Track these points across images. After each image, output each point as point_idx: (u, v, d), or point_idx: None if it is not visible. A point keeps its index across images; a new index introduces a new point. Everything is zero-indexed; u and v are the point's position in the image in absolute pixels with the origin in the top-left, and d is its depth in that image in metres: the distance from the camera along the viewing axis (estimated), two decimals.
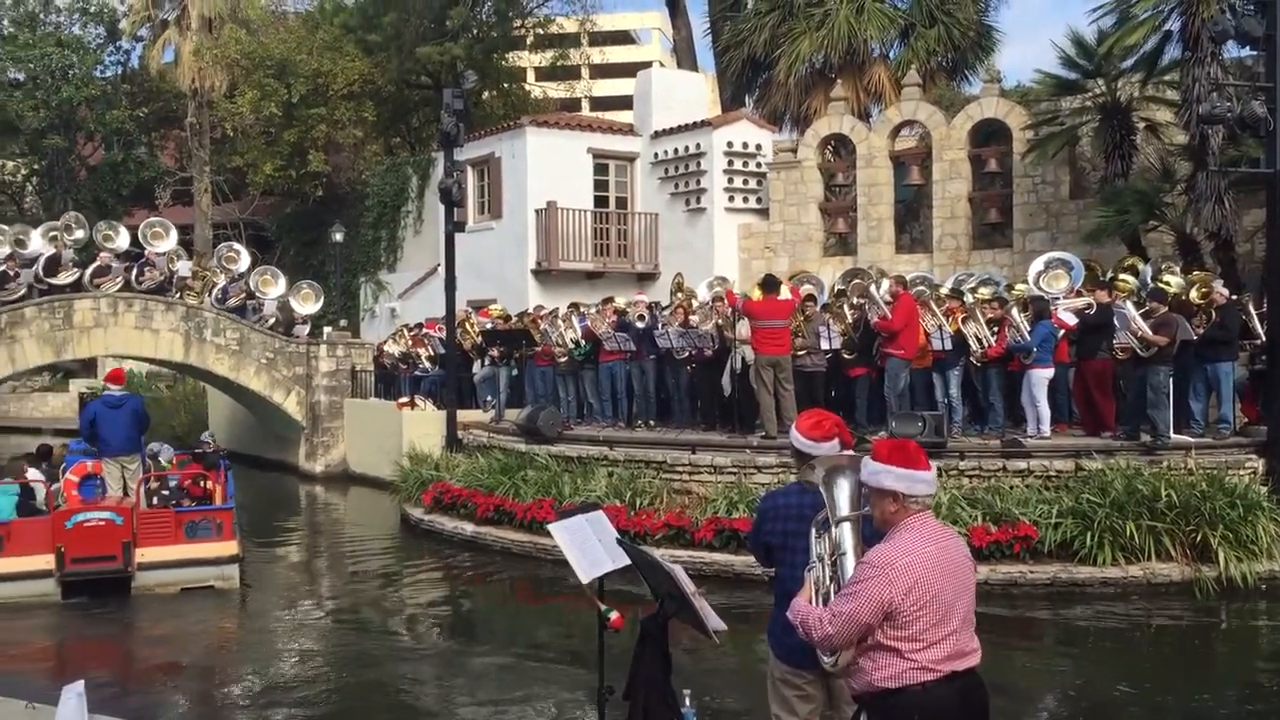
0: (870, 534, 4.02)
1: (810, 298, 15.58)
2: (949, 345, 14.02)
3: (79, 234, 23.10)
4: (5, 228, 23.59)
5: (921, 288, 16.34)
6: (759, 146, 23.10)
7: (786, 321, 13.94)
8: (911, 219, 22.44)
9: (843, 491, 4.03)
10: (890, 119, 21.37)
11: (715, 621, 4.58)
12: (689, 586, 4.57)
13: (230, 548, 12.94)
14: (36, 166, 37.78)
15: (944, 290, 16.07)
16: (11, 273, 21.27)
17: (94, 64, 37.26)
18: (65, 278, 21.83)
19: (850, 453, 4.49)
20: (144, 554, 12.50)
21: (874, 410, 14.51)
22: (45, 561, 12.15)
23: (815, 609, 3.92)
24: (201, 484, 14.26)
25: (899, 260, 20.35)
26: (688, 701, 4.99)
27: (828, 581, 3.98)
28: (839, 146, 22.74)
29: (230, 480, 14.30)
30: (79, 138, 37.81)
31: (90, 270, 22.03)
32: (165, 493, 13.62)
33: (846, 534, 4.01)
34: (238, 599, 12.91)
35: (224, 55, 33.78)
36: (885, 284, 15.57)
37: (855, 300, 15.71)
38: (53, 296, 21.35)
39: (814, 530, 4.14)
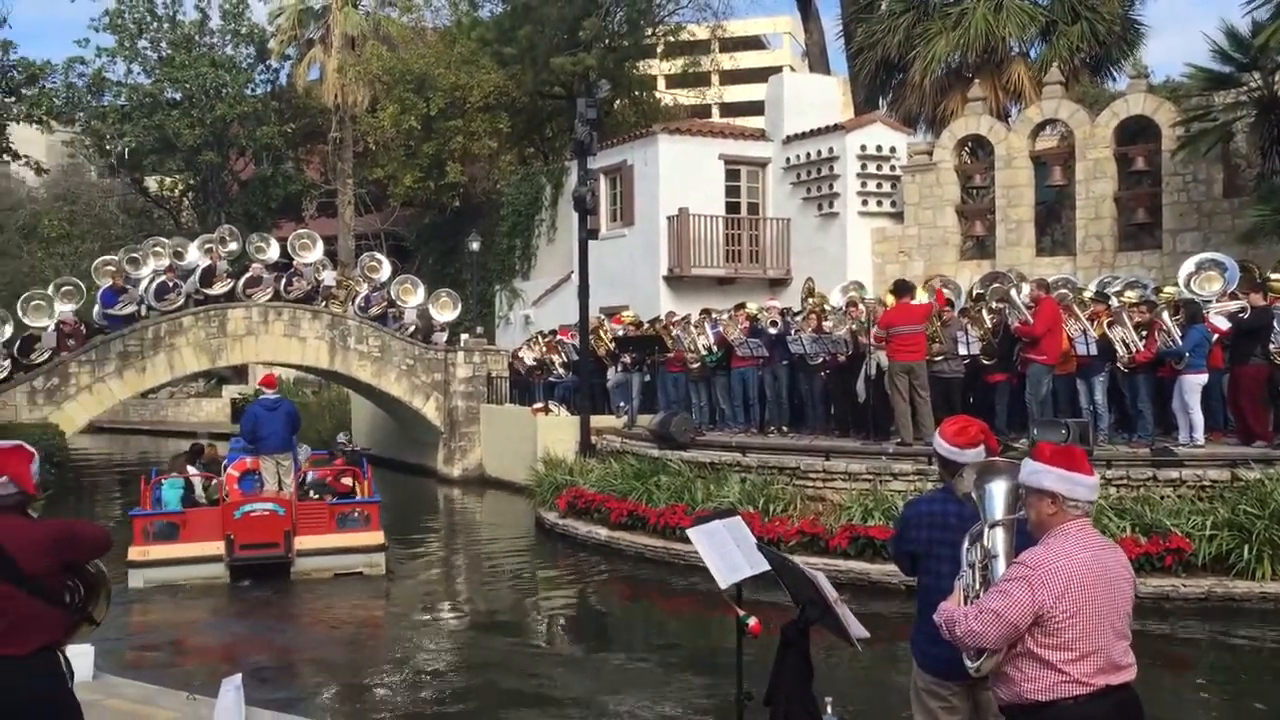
0: (1022, 542, 3.93)
1: (947, 302, 15.28)
2: (1094, 350, 13.56)
3: (233, 246, 24.12)
4: (165, 241, 24.81)
5: (1064, 291, 15.84)
6: (893, 149, 22.76)
7: (922, 326, 13.69)
8: (1053, 221, 21.81)
9: (998, 495, 3.95)
10: (1030, 118, 20.81)
11: (858, 629, 4.53)
12: (831, 593, 4.54)
13: (378, 537, 14.05)
14: (192, 182, 39.58)
15: (1088, 294, 15.56)
16: (171, 284, 22.33)
17: (245, 83, 38.87)
18: (220, 288, 22.81)
19: (1002, 459, 4.39)
20: (302, 542, 13.64)
21: (1014, 417, 14.12)
22: (216, 547, 13.37)
23: (962, 607, 3.84)
24: (342, 480, 15.22)
25: (1040, 263, 19.80)
26: (829, 709, 4.95)
27: (977, 586, 3.90)
28: (976, 148, 22.24)
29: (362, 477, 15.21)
30: (231, 154, 39.47)
31: (243, 280, 22.97)
32: (305, 487, 14.64)
33: (999, 538, 3.92)
34: (384, 587, 13.60)
35: (366, 72, 34.89)
36: (1026, 287, 15.14)
37: (994, 304, 15.34)
38: (208, 306, 22.36)
39: (967, 540, 4.05)
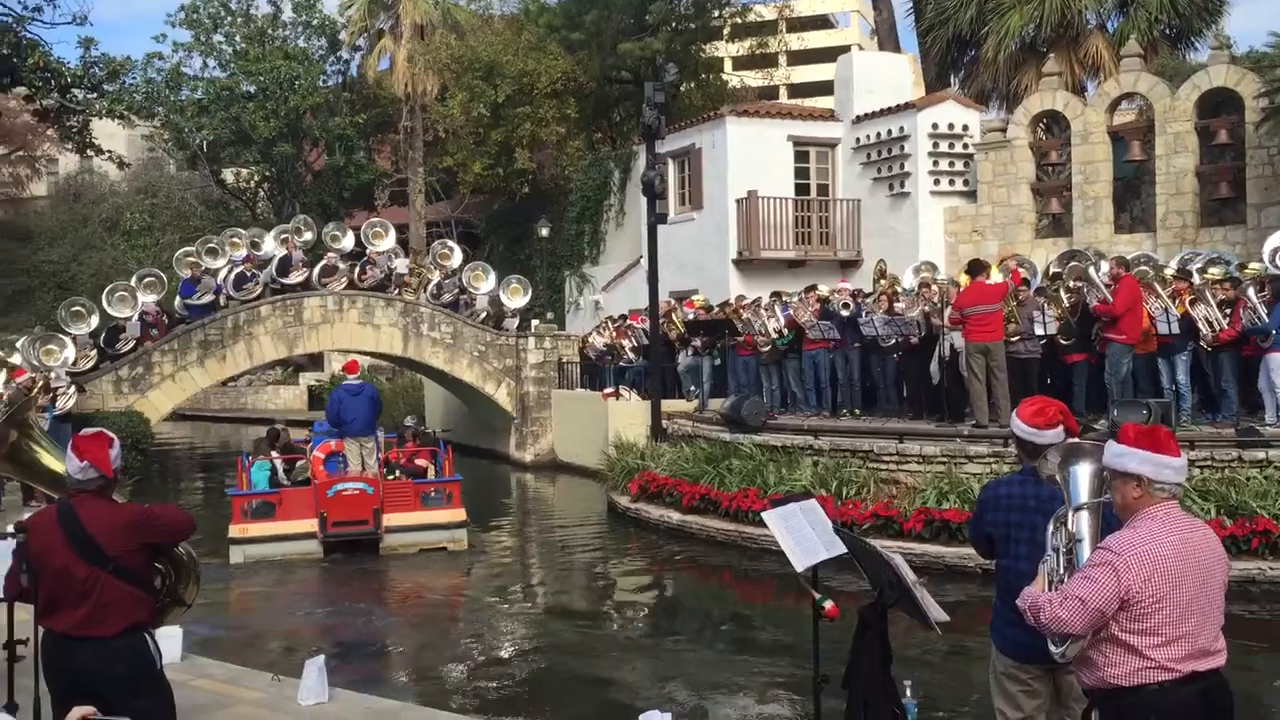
0: (1108, 526, 3.86)
1: (1023, 282, 15.02)
2: (1176, 329, 13.25)
3: (307, 235, 24.50)
4: (242, 231, 25.28)
5: (1144, 268, 15.46)
6: (965, 127, 22.41)
7: (998, 306, 13.48)
8: (1132, 197, 21.29)
9: (1082, 478, 3.89)
10: (1108, 93, 20.34)
11: (937, 612, 4.50)
12: (910, 576, 4.51)
13: (459, 514, 14.91)
14: (268, 173, 40.26)
15: (1169, 271, 15.18)
16: (249, 274, 22.77)
17: (317, 74, 39.40)
18: (296, 277, 23.20)
19: (1086, 440, 4.32)
20: (389, 519, 14.48)
21: (1093, 398, 13.86)
22: (310, 525, 14.27)
23: (1046, 593, 3.79)
24: (416, 460, 16.05)
25: (1118, 240, 19.38)
26: (908, 692, 4.93)
27: (1062, 571, 3.84)
28: (1051, 124, 21.80)
29: (439, 459, 16.02)
30: (305, 144, 40.08)
31: (318, 269, 23.34)
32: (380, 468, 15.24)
33: (1084, 522, 3.86)
34: (464, 565, 14.09)
35: (435, 60, 35.17)
36: (1105, 265, 14.81)
37: (1072, 283, 15.02)
38: (285, 295, 22.77)
39: (1050, 524, 4.00)
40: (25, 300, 43.93)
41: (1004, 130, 21.49)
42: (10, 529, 5.90)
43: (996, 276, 14.16)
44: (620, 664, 9.77)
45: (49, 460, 5.16)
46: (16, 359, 19.43)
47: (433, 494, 15.15)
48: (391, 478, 15.14)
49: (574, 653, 10.15)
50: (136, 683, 4.64)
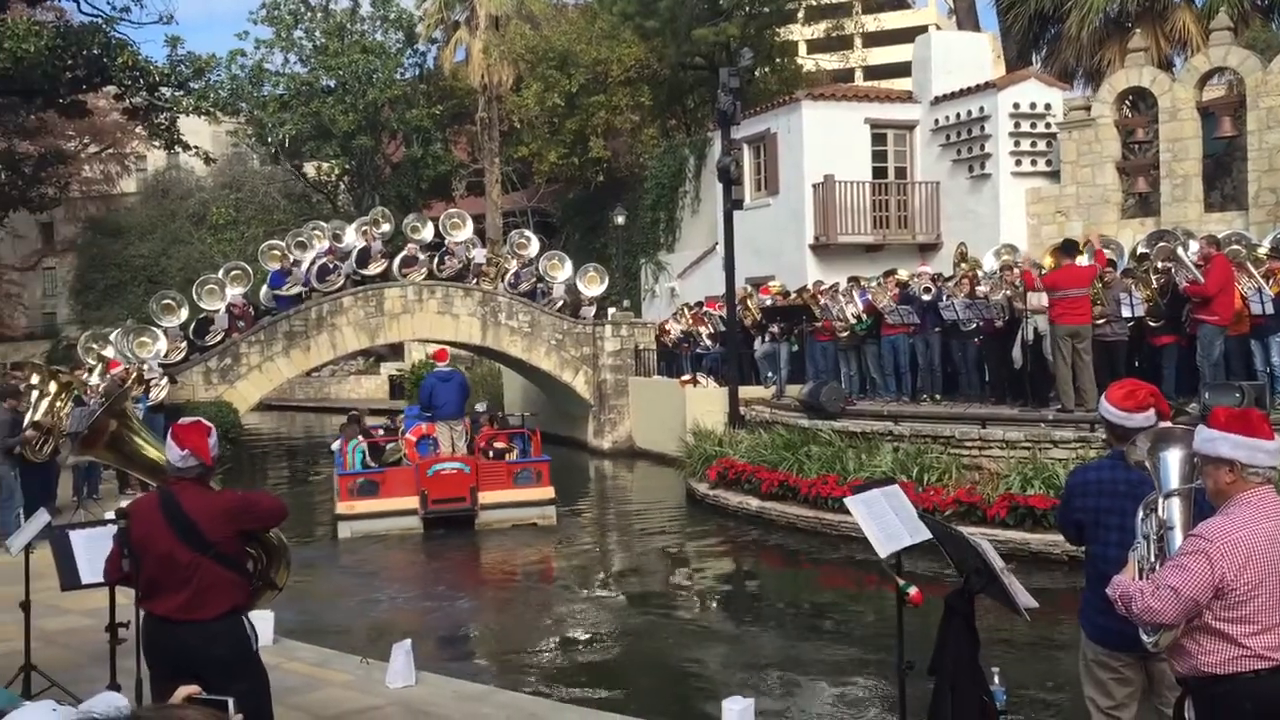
0: (1201, 513, 3.78)
1: (1109, 263, 14.69)
2: (1270, 309, 12.85)
3: (386, 227, 24.87)
4: (323, 224, 25.76)
5: (1236, 247, 15.02)
6: (1048, 106, 21.93)
7: (1086, 289, 13.21)
8: (1222, 174, 20.66)
9: (1172, 464, 3.80)
10: (1197, 67, 19.75)
11: (1026, 599, 4.44)
12: (998, 562, 4.46)
13: (548, 492, 15.84)
14: (348, 166, 40.92)
15: (1262, 250, 14.73)
16: (331, 265, 23.19)
17: (395, 67, 39.91)
18: (376, 268, 23.58)
19: (1176, 424, 4.23)
20: (484, 497, 15.41)
21: (1183, 381, 13.51)
22: (411, 502, 15.23)
23: (1137, 582, 3.72)
24: (495, 444, 16.73)
25: (1208, 219, 18.82)
26: (996, 679, 4.87)
27: (1153, 559, 3.77)
28: (1138, 101, 21.22)
29: (525, 441, 16.99)
30: (383, 137, 40.64)
31: (398, 260, 23.69)
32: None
33: (1175, 509, 3.78)
34: (548, 547, 14.61)
35: (510, 51, 35.40)
36: (1194, 245, 14.44)
37: (1160, 264, 14.66)
38: (366, 286, 23.15)
39: (1141, 510, 3.92)
40: (117, 294, 45.28)
41: (1088, 108, 20.99)
42: (111, 515, 6.12)
43: (1082, 259, 13.89)
44: (701, 649, 9.79)
45: (147, 449, 5.32)
46: (109, 351, 20.03)
47: (525, 473, 16.02)
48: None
49: (655, 638, 10.20)
50: (235, 665, 4.77)
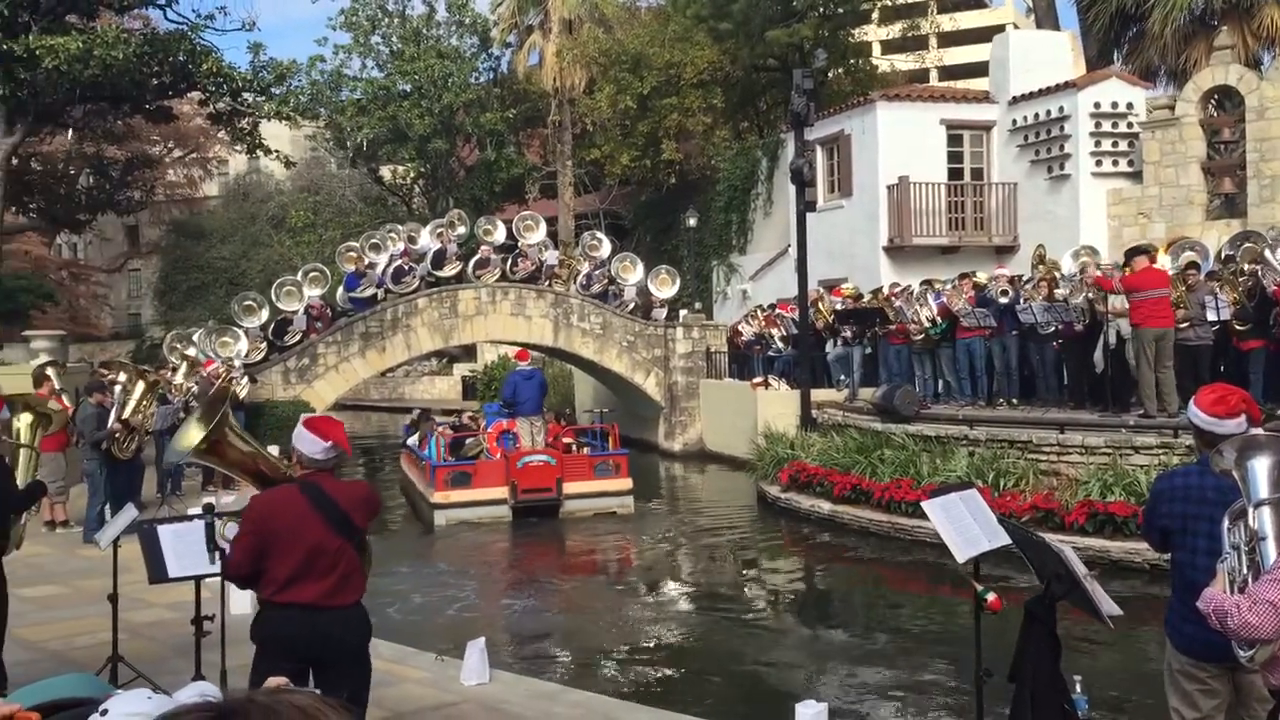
0: None
1: (1193, 265, 14.34)
2: None
3: (461, 229, 25.14)
4: (399, 227, 26.09)
5: None
6: (1130, 105, 21.48)
7: (1168, 291, 12.91)
8: None
9: (1261, 472, 3.70)
10: None
11: (1109, 606, 4.36)
12: (1080, 568, 4.38)
13: (626, 484, 16.90)
14: (423, 169, 41.42)
15: None
16: (407, 267, 23.50)
17: (469, 71, 40.29)
18: (450, 270, 23.84)
19: (1265, 431, 4.12)
20: (568, 487, 16.43)
21: (1271, 387, 13.15)
22: (500, 492, 16.25)
23: (1232, 596, 3.62)
24: (562, 439, 17.74)
25: None
26: (1078, 688, 4.79)
27: (1244, 570, 3.67)
28: (1223, 100, 20.70)
29: (604, 436, 18.22)
30: (457, 141, 41.07)
31: (472, 262, 23.93)
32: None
33: (1267, 518, 3.67)
34: (622, 544, 15.12)
35: (583, 54, 35.58)
36: None
37: (1247, 266, 14.29)
38: (440, 288, 23.42)
39: (1227, 519, 3.82)
40: (199, 295, 46.37)
41: (1172, 108, 20.52)
42: (198, 511, 6.26)
43: (1163, 261, 13.58)
44: (772, 653, 9.75)
45: (243, 446, 5.42)
46: (191, 351, 20.50)
47: (605, 465, 17.03)
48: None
49: (726, 640, 10.18)
50: (360, 653, 4.95)
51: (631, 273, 24.96)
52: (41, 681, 2.00)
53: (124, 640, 7.38)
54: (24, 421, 9.23)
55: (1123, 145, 21.39)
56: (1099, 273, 14.14)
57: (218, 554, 5.30)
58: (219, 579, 5.90)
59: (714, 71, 32.55)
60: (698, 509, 18.61)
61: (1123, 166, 21.39)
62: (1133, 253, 13.19)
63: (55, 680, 2.06)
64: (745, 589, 12.79)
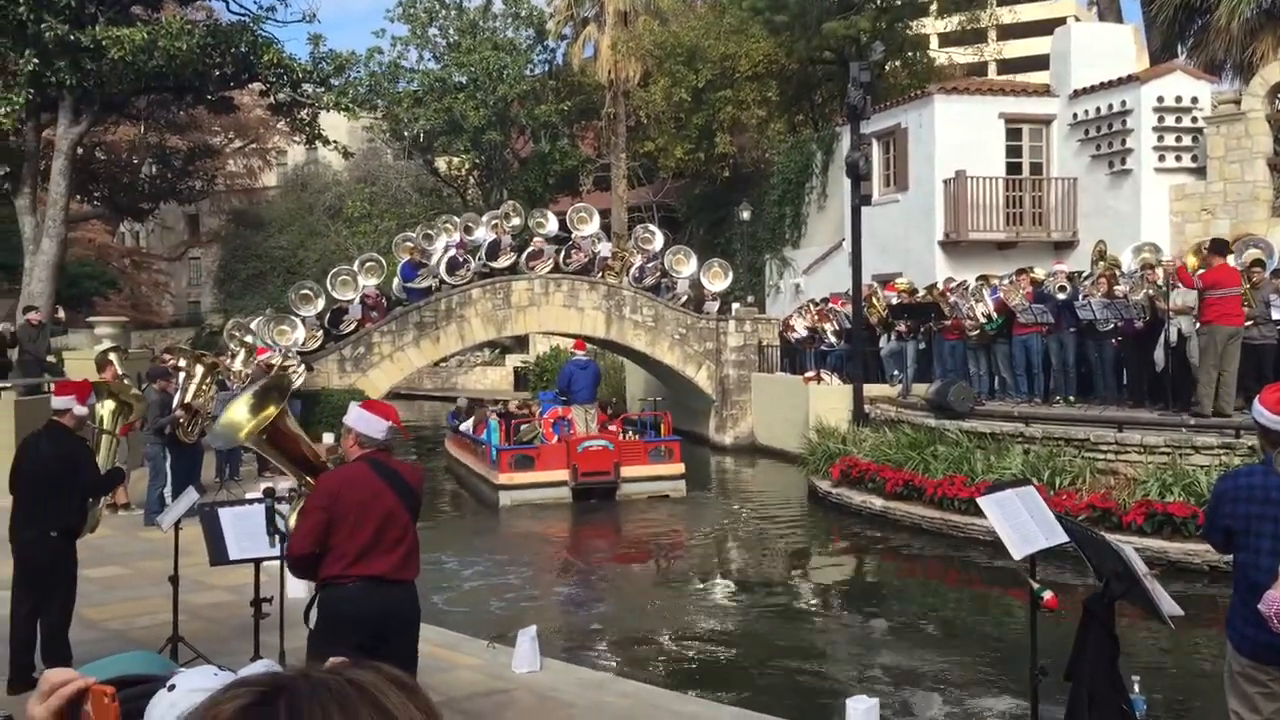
0: None
1: (1258, 263, 14.06)
2: None
3: (515, 221, 25.24)
4: (454, 218, 26.26)
5: None
6: (1194, 100, 21.07)
7: (1241, 289, 12.67)
8: None
9: None
10: None
11: (1170, 606, 4.30)
12: (1140, 567, 4.33)
13: (679, 468, 17.81)
14: (477, 160, 41.67)
15: None
16: (461, 258, 23.65)
17: (524, 64, 40.45)
18: (504, 261, 23.96)
19: None
20: (625, 471, 17.23)
21: None
22: (561, 474, 17.07)
23: None
24: (608, 429, 18.51)
25: None
26: (1136, 688, 4.73)
27: None
28: None
29: (656, 424, 18.94)
30: (512, 132, 41.25)
31: (526, 254, 24.03)
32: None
33: None
34: (673, 534, 15.50)
35: (638, 47, 35.57)
36: None
37: None
38: (494, 279, 23.55)
39: None
40: (258, 284, 47.02)
41: (1237, 102, 20.12)
42: (257, 495, 6.37)
43: (1232, 259, 13.32)
44: (822, 648, 9.73)
45: (296, 436, 5.50)
46: (249, 338, 20.79)
47: (659, 450, 17.93)
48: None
49: (776, 634, 10.17)
50: (416, 630, 5.10)
51: (684, 265, 24.92)
52: (109, 657, 2.04)
53: (183, 621, 7.53)
54: (107, 409, 9.45)
55: (1186, 140, 21.01)
56: (1181, 263, 13.84)
57: (277, 537, 5.39)
58: (278, 562, 6.00)
59: (769, 64, 32.40)
60: (748, 502, 18.58)
61: (1186, 162, 21.01)
62: (1216, 248, 12.93)
63: (121, 656, 2.11)
64: (795, 582, 12.76)
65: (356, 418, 5.00)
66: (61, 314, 21.63)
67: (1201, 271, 12.97)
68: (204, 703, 1.25)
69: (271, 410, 5.08)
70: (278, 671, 1.30)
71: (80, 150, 25.38)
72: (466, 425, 21.16)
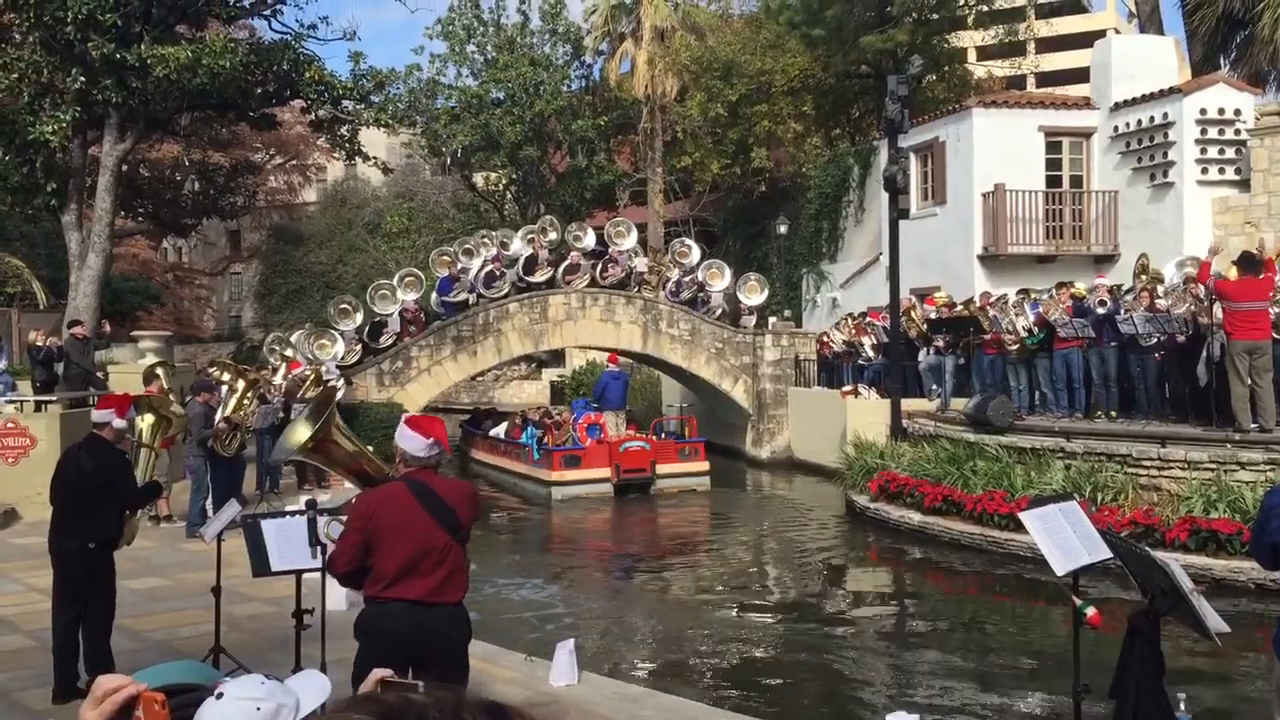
0: None
1: None
2: None
3: (552, 235, 25.34)
4: (492, 232, 26.41)
5: None
6: (1238, 112, 20.83)
7: (1265, 303, 12.50)
8: None
9: None
10: None
11: (1216, 622, 4.24)
12: (1186, 583, 4.27)
13: (704, 466, 20.36)
14: (514, 176, 41.92)
15: None
16: (498, 272, 23.77)
17: (561, 79, 40.68)
18: (541, 275, 24.05)
19: None
20: (659, 468, 19.74)
21: None
22: (606, 472, 19.47)
23: None
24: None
25: None
26: (1182, 705, 4.67)
27: None
28: None
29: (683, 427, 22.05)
30: (549, 148, 41.45)
31: (562, 268, 24.11)
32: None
33: None
34: (719, 531, 16.64)
35: (675, 62, 35.66)
36: None
37: None
38: (531, 293, 23.64)
39: None
40: (298, 298, 47.46)
41: None
42: (299, 507, 6.43)
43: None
44: (860, 664, 9.66)
45: (349, 446, 5.54)
46: (289, 352, 20.99)
47: (687, 449, 20.54)
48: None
49: (813, 649, 10.11)
50: (462, 652, 4.97)
51: (720, 279, 24.90)
52: (156, 666, 2.07)
53: (224, 632, 7.60)
54: (147, 423, 9.58)
55: (1229, 153, 20.77)
56: (1208, 259, 13.67)
57: (319, 549, 5.43)
58: (319, 574, 6.04)
59: (805, 78, 32.38)
60: (785, 517, 18.51)
61: (1229, 174, 20.77)
62: (1244, 263, 12.78)
63: (167, 665, 2.14)
64: (833, 597, 12.69)
65: (400, 434, 4.94)
66: (107, 328, 21.94)
67: (1219, 279, 12.82)
68: (324, 714, 1.28)
69: (321, 422, 5.13)
70: (393, 701, 1.30)
71: (125, 167, 25.77)
72: (497, 430, 23.53)
